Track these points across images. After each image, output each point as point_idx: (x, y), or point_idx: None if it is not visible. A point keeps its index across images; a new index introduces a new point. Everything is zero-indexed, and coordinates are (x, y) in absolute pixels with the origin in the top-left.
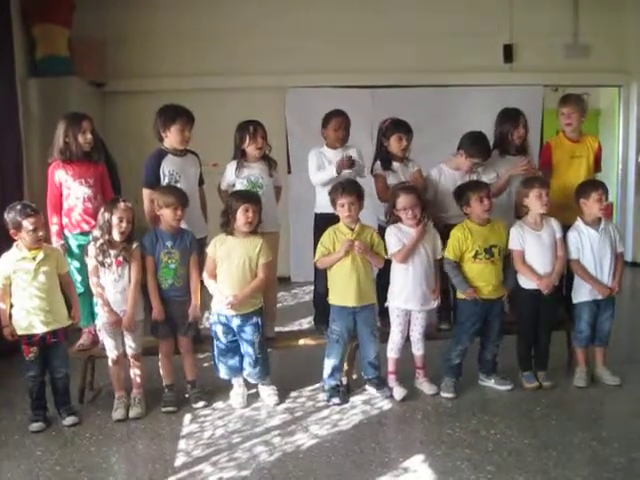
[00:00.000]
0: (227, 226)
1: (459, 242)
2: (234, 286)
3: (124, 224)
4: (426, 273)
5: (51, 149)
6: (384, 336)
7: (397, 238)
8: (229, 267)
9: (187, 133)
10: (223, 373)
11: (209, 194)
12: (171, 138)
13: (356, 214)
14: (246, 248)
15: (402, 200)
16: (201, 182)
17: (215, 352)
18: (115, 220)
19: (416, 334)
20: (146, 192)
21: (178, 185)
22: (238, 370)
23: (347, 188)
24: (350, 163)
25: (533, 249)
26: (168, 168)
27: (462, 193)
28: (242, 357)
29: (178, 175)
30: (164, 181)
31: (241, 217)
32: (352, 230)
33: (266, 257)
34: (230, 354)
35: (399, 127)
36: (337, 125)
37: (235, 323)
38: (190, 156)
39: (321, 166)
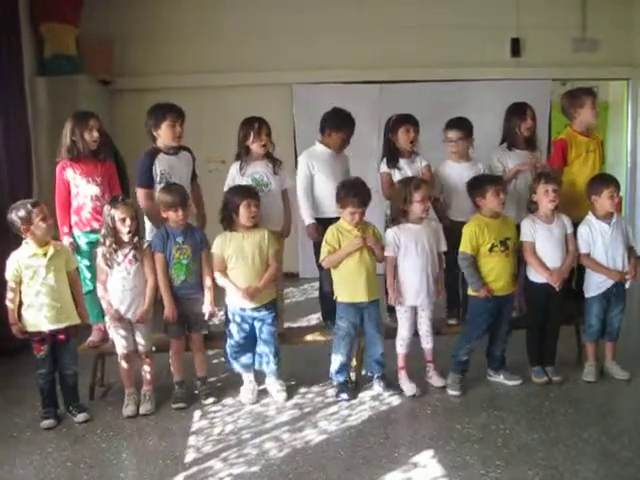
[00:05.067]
0: (229, 222)
1: (475, 235)
2: (251, 279)
3: (128, 222)
4: (432, 267)
5: (59, 148)
6: (393, 332)
7: (394, 242)
8: (243, 262)
9: (178, 128)
10: (237, 368)
11: (215, 190)
12: (163, 136)
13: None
14: (256, 240)
15: (423, 191)
16: (194, 176)
17: (228, 348)
18: (118, 219)
19: (424, 327)
20: (141, 192)
21: None
22: (251, 366)
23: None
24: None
25: (544, 242)
26: (160, 168)
27: (478, 185)
28: (254, 353)
29: (169, 175)
30: (155, 180)
31: (244, 212)
32: (356, 227)
33: (275, 246)
34: (243, 350)
35: (406, 119)
36: (347, 136)
37: (254, 315)
38: (183, 153)
39: (308, 179)
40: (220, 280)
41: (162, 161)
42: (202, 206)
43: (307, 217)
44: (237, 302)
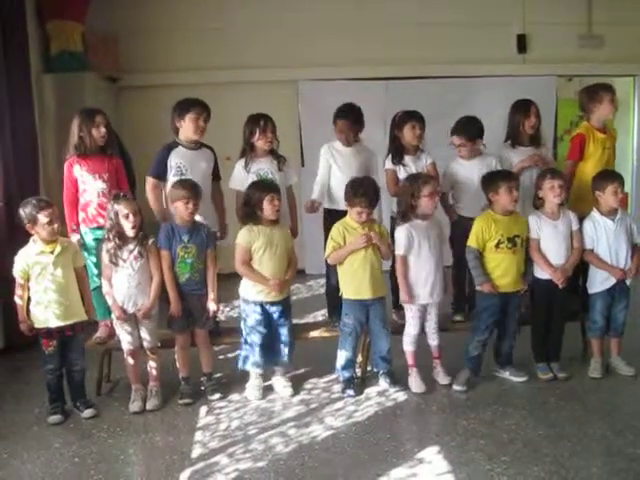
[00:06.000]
0: (252, 217)
1: (482, 231)
2: (277, 272)
3: (131, 218)
4: (439, 265)
5: (67, 145)
6: (399, 328)
7: (408, 240)
8: (272, 255)
9: (202, 122)
10: (253, 364)
11: (223, 188)
12: (185, 128)
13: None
14: (282, 234)
15: (431, 186)
16: (216, 177)
17: (248, 345)
18: (122, 215)
19: (432, 324)
20: (149, 181)
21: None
22: (264, 362)
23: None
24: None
25: (549, 238)
26: (175, 161)
27: (492, 181)
28: (268, 349)
29: (185, 169)
30: (170, 173)
31: (268, 207)
32: (362, 225)
33: (293, 241)
34: (263, 345)
35: (412, 116)
36: (346, 127)
37: (274, 309)
38: (204, 150)
39: (327, 169)
40: (244, 271)
41: (179, 154)
42: (223, 214)
43: (315, 194)
44: (256, 296)
